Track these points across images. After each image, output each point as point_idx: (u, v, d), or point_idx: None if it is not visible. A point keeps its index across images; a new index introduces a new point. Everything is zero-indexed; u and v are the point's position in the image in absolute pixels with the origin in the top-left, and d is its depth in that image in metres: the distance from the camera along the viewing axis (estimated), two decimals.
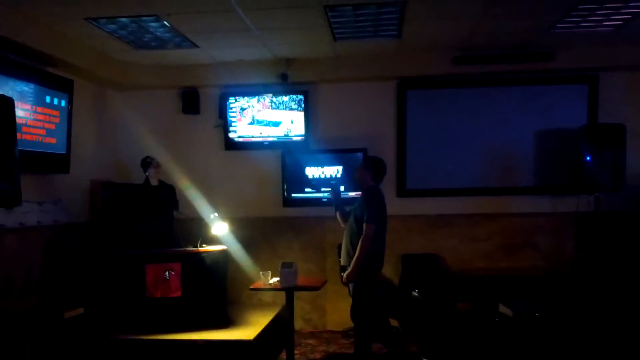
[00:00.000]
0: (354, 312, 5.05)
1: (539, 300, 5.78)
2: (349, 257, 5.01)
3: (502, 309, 5.64)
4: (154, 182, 6.20)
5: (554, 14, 5.16)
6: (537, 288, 6.07)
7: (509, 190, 6.60)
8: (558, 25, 5.46)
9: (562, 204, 6.47)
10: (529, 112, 6.57)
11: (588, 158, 5.93)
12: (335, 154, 6.65)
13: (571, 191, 6.32)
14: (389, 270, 6.65)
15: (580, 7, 4.93)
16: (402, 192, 6.66)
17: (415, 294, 5.89)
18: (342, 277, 5.24)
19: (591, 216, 6.13)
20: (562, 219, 6.49)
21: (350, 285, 5.05)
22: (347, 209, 5.32)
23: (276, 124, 6.71)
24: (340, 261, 5.31)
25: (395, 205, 6.45)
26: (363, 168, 5.19)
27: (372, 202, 4.98)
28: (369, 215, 4.89)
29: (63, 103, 5.63)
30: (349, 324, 6.45)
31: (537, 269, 6.47)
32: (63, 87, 5.65)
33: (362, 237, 4.85)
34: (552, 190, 6.52)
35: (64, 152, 5.68)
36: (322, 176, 6.65)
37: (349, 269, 4.94)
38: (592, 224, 6.14)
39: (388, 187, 6.61)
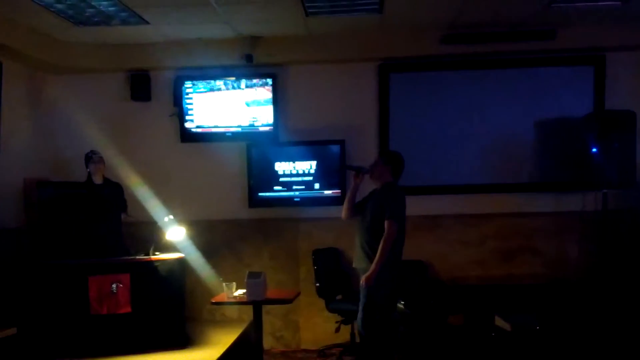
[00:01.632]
0: (366, 323, 5.05)
1: (540, 311, 5.86)
2: (366, 258, 5.03)
3: (499, 322, 5.75)
4: (97, 179, 6.13)
5: None
6: (538, 298, 6.14)
7: (505, 187, 6.68)
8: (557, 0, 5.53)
9: (566, 202, 6.56)
10: (527, 97, 6.66)
11: (594, 150, 6.01)
12: (309, 147, 6.69)
13: (576, 188, 6.42)
14: None
15: None
16: None
17: (401, 306, 5.92)
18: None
19: (598, 216, 6.21)
20: (565, 219, 6.59)
21: (363, 291, 5.04)
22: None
23: (240, 113, 6.72)
24: (353, 263, 5.30)
25: None
26: (381, 163, 5.22)
27: (395, 199, 5.04)
28: (391, 212, 4.93)
29: None
30: (325, 341, 6.61)
31: (538, 276, 6.57)
32: None
33: (384, 236, 4.89)
34: (554, 186, 6.62)
35: None
36: (294, 172, 6.67)
37: (370, 271, 4.92)
38: (600, 224, 6.22)
39: (368, 185, 6.59)
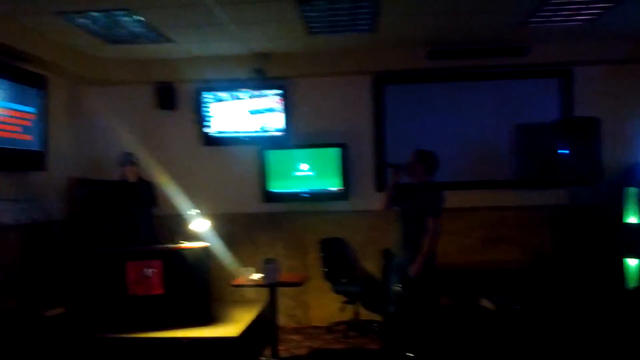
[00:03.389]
0: (425, 304, 5.12)
1: (519, 293, 5.92)
2: (406, 250, 5.08)
3: (484, 302, 5.81)
4: (132, 179, 6.20)
5: (527, 8, 5.34)
6: (516, 281, 6.18)
7: (487, 184, 6.79)
8: (531, 20, 5.65)
9: (539, 197, 6.65)
10: (505, 106, 6.78)
11: (563, 151, 6.12)
12: (315, 149, 6.77)
13: (548, 185, 6.52)
14: (371, 265, 6.83)
15: (551, 1, 5.13)
16: (381, 186, 6.73)
17: (397, 288, 6.04)
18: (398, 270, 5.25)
19: (567, 209, 6.38)
20: (539, 212, 6.68)
21: (413, 281, 5.07)
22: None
23: (255, 120, 6.81)
24: (393, 249, 5.34)
25: (375, 200, 6.51)
26: (415, 161, 5.19)
27: (434, 197, 5.08)
28: (433, 211, 4.98)
29: (38, 99, 5.68)
30: (333, 319, 6.68)
31: (516, 262, 6.63)
32: (37, 83, 5.71)
33: (429, 233, 4.93)
34: (529, 183, 6.70)
35: (40, 149, 5.72)
36: (302, 171, 6.76)
37: (416, 264, 4.95)
38: (568, 216, 6.38)
39: (367, 182, 6.87)
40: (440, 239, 5.12)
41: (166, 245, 5.65)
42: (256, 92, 6.80)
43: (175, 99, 6.99)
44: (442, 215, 5.07)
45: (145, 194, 6.13)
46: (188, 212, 5.85)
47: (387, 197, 5.34)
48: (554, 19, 5.66)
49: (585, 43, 6.44)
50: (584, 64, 6.64)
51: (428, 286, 5.10)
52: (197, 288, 5.55)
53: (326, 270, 6.48)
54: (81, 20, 5.31)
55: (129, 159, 6.21)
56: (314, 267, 6.71)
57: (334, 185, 6.73)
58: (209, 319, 5.53)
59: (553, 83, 6.76)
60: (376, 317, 6.64)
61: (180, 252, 5.52)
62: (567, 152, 6.12)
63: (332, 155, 6.72)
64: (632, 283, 6.13)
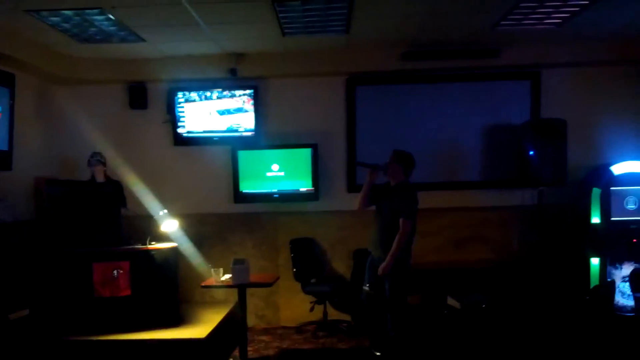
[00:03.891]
0: (398, 304, 5.12)
1: (487, 291, 5.94)
2: (381, 247, 5.10)
3: (451, 301, 5.80)
4: (100, 178, 6.14)
5: (497, 11, 5.31)
6: (485, 280, 6.21)
7: (457, 185, 6.77)
8: (502, 23, 5.62)
9: (508, 197, 6.67)
10: (475, 107, 6.75)
11: (531, 153, 6.13)
12: (286, 150, 6.70)
13: (516, 185, 6.53)
14: (341, 266, 6.82)
15: (522, 4, 5.11)
16: (353, 187, 6.72)
17: (366, 288, 6.00)
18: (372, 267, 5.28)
19: (535, 209, 6.35)
20: (508, 212, 6.69)
21: (386, 280, 5.10)
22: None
23: (226, 120, 6.72)
24: (369, 247, 5.37)
25: (346, 201, 6.60)
26: (394, 162, 5.22)
27: (409, 198, 5.09)
28: (406, 213, 4.99)
29: (4, 98, 5.51)
30: (302, 319, 6.65)
31: (486, 261, 6.63)
32: (4, 81, 5.52)
33: (399, 233, 4.94)
34: (498, 184, 6.71)
35: (5, 149, 5.55)
36: (273, 171, 6.67)
37: (385, 263, 5.00)
38: (536, 216, 6.36)
39: (338, 182, 6.83)
40: (414, 239, 5.19)
41: (134, 246, 5.56)
42: (228, 92, 6.72)
43: (147, 99, 6.88)
44: (416, 216, 5.10)
45: (113, 194, 6.01)
46: (158, 213, 5.77)
47: (364, 197, 5.34)
48: (525, 22, 5.63)
49: (554, 46, 6.42)
50: (553, 66, 6.63)
51: (399, 286, 5.10)
52: (165, 289, 5.49)
53: (296, 270, 6.43)
54: (52, 19, 5.18)
55: (97, 159, 6.14)
56: (285, 268, 6.67)
57: (304, 185, 6.66)
58: (177, 321, 5.48)
59: (523, 85, 6.73)
60: (345, 316, 6.64)
61: (148, 253, 5.46)
62: (533, 153, 6.12)
63: (303, 155, 6.64)
64: (594, 282, 6.17)
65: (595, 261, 6.18)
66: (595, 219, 6.16)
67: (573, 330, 5.19)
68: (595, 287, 5.94)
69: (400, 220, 4.97)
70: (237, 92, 6.69)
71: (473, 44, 6.36)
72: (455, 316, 5.69)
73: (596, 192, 6.16)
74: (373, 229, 5.27)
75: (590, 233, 6.22)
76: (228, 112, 6.72)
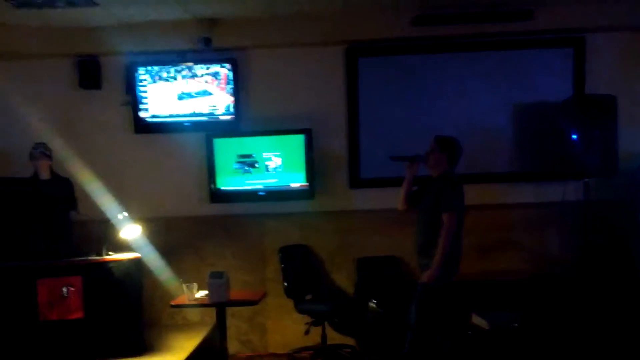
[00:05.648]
0: (421, 324, 5.09)
1: (520, 308, 5.94)
2: (424, 255, 5.13)
3: (476, 319, 5.82)
4: (44, 175, 6.10)
5: None
6: (517, 294, 6.19)
7: (481, 178, 6.70)
8: None
9: (546, 192, 6.66)
10: (504, 81, 6.76)
11: (574, 137, 6.11)
12: (274, 137, 6.70)
13: (556, 177, 6.52)
14: (343, 278, 6.83)
15: None
16: (356, 182, 6.76)
17: (372, 305, 5.99)
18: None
19: (580, 206, 6.34)
20: (546, 210, 6.69)
21: (420, 288, 5.10)
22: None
23: (199, 101, 6.72)
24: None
25: (348, 199, 6.66)
26: (437, 151, 5.26)
27: (451, 189, 5.12)
28: (448, 204, 5.02)
29: None
30: (295, 344, 6.65)
31: (518, 271, 6.63)
32: None
33: (444, 231, 4.95)
34: (533, 176, 6.72)
35: None
36: (258, 164, 6.67)
37: (431, 270, 4.99)
38: (581, 215, 6.34)
39: (339, 176, 6.86)
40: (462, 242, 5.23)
41: (87, 258, 5.54)
42: (202, 67, 6.70)
43: (101, 76, 6.86)
44: (462, 212, 5.14)
45: (61, 194, 6.03)
46: (116, 216, 5.75)
47: (405, 196, 5.40)
48: None
49: (602, 5, 6.41)
50: (600, 30, 6.62)
51: (428, 305, 5.09)
52: (126, 310, 5.48)
53: (287, 284, 6.42)
54: None
55: (41, 151, 6.08)
56: (273, 282, 6.67)
57: (297, 180, 6.65)
58: (142, 349, 5.48)
59: (563, 54, 6.72)
60: (348, 340, 6.63)
61: (104, 266, 5.46)
62: (577, 137, 6.11)
63: (294, 143, 6.64)
64: None
65: None
66: None
67: (624, 353, 5.20)
68: None
69: (443, 215, 4.98)
70: (213, 67, 6.68)
71: (501, 4, 6.33)
72: (481, 337, 5.71)
73: None
74: (415, 232, 5.32)
75: None
76: (203, 92, 6.71)
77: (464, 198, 5.19)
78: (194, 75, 6.68)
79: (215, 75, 6.68)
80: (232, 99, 6.68)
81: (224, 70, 6.68)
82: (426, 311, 5.09)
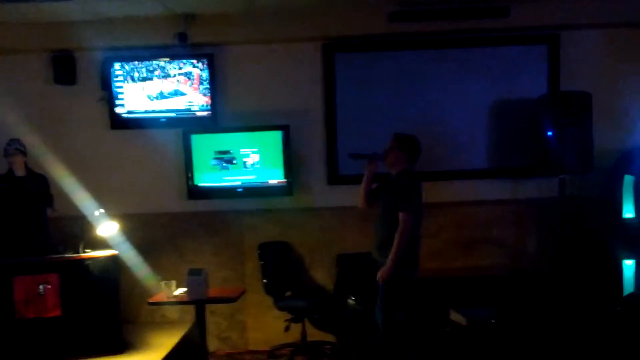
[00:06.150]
0: (387, 323, 5.11)
1: (498, 304, 5.98)
2: (381, 251, 5.12)
3: (454, 316, 5.86)
4: (19, 171, 6.03)
5: None
6: (495, 290, 6.20)
7: (460, 174, 6.80)
8: None
9: (523, 189, 6.73)
10: (481, 78, 6.79)
11: (550, 133, 6.15)
12: (251, 133, 6.68)
13: (533, 174, 6.58)
14: (322, 275, 6.84)
15: None
16: (335, 178, 6.76)
17: (351, 302, 6.00)
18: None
19: (556, 202, 6.39)
20: (523, 206, 6.75)
21: (381, 288, 5.11)
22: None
23: (175, 97, 6.71)
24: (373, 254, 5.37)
25: (326, 195, 6.66)
26: (396, 149, 5.25)
27: (408, 188, 5.11)
28: (404, 203, 5.01)
29: None
30: (275, 341, 6.63)
31: (495, 267, 6.68)
32: None
33: (399, 231, 4.94)
34: (510, 172, 6.76)
35: None
36: (236, 160, 6.66)
37: (386, 267, 5.00)
38: (557, 211, 6.39)
39: (316, 173, 6.87)
40: (420, 240, 5.23)
41: (64, 255, 5.55)
42: (178, 63, 6.68)
43: (76, 72, 6.83)
44: (421, 212, 5.15)
45: (37, 190, 5.98)
46: (93, 213, 5.76)
47: (365, 194, 5.38)
48: None
49: (577, 2, 6.47)
50: (575, 27, 6.68)
51: (390, 299, 5.10)
52: (103, 307, 5.51)
53: (266, 281, 6.43)
54: None
55: (15, 147, 6.01)
56: (253, 278, 6.69)
57: (275, 177, 6.65)
58: (120, 347, 5.50)
59: (538, 51, 6.78)
60: (328, 337, 6.68)
61: (81, 263, 5.48)
62: (552, 133, 6.14)
63: (272, 140, 6.64)
64: (628, 289, 6.22)
65: (629, 263, 6.23)
66: (629, 213, 6.20)
67: (602, 349, 5.23)
68: (629, 295, 6.01)
69: (400, 214, 4.98)
70: (189, 63, 6.67)
71: (476, 2, 6.39)
72: (459, 334, 5.74)
73: (629, 180, 6.19)
74: (374, 230, 5.31)
75: (622, 230, 6.26)
76: (175, 93, 6.71)
77: (421, 197, 5.19)
78: (167, 76, 6.67)
79: (188, 75, 6.67)
80: (205, 99, 6.68)
81: (197, 71, 6.67)
82: (390, 311, 5.11)
